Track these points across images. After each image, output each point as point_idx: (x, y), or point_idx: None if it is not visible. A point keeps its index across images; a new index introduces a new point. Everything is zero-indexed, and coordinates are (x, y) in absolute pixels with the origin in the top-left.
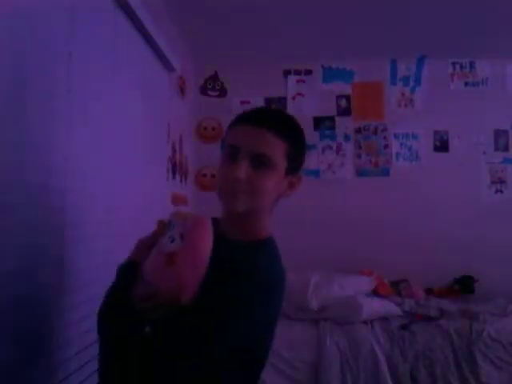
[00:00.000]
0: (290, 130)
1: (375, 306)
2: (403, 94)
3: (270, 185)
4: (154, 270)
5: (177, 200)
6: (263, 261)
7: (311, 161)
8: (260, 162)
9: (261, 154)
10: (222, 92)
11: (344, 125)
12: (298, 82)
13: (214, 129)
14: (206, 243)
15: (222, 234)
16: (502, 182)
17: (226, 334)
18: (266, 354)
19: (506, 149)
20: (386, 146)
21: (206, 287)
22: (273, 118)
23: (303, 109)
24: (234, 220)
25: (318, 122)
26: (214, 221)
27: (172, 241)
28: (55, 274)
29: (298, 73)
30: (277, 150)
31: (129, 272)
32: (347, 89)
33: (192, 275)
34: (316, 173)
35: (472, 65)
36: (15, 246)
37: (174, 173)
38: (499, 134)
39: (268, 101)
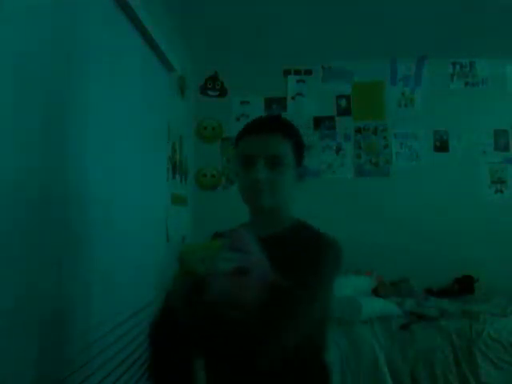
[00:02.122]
0: (291, 130)
1: (375, 306)
2: (403, 94)
3: (286, 180)
4: (231, 287)
5: (177, 200)
6: (318, 233)
7: (311, 161)
8: (274, 163)
9: (274, 155)
10: (222, 92)
11: (344, 125)
12: (298, 82)
13: (213, 129)
14: (253, 246)
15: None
16: (501, 182)
17: (326, 297)
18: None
19: (506, 149)
20: (386, 146)
21: (289, 276)
22: (274, 122)
23: (303, 109)
24: (264, 218)
25: (318, 122)
26: (245, 226)
27: (225, 259)
28: (54, 275)
29: (298, 73)
30: (286, 148)
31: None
32: (347, 89)
33: (258, 274)
34: (316, 173)
35: (472, 65)
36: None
37: (174, 173)
38: (499, 134)
39: (268, 101)
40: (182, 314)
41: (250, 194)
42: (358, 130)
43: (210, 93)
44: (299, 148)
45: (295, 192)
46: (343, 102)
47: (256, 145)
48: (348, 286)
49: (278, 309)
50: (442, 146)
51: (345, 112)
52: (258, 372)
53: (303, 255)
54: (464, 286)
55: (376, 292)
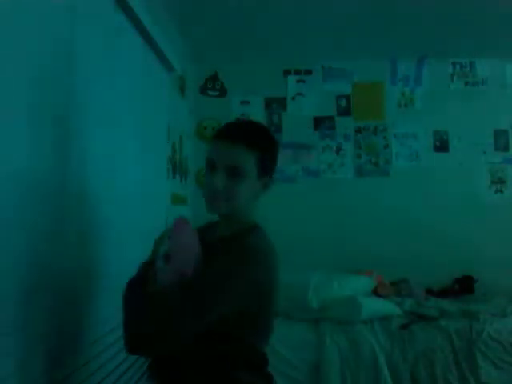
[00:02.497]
0: (259, 141)
1: (375, 306)
2: (403, 94)
3: (243, 190)
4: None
5: (177, 200)
6: (249, 238)
7: (311, 161)
8: (234, 173)
9: (234, 166)
10: (222, 92)
11: (344, 125)
12: (298, 82)
13: (213, 129)
14: (184, 234)
15: (220, 233)
16: (502, 182)
17: (217, 299)
18: (262, 327)
19: (506, 149)
20: (386, 146)
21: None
22: (243, 132)
23: (303, 109)
24: (223, 220)
25: (318, 122)
26: (214, 223)
27: (162, 244)
28: (55, 275)
29: (297, 73)
30: (248, 160)
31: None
32: (347, 89)
33: (183, 263)
34: (316, 173)
35: (472, 65)
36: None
37: (174, 173)
38: (499, 134)
39: (268, 101)
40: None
41: (207, 198)
42: (358, 130)
43: (210, 93)
44: (265, 160)
45: (255, 200)
46: (343, 102)
47: (219, 151)
48: (348, 286)
49: (171, 294)
50: (442, 145)
51: (345, 112)
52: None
53: (220, 253)
54: (464, 286)
55: (376, 292)
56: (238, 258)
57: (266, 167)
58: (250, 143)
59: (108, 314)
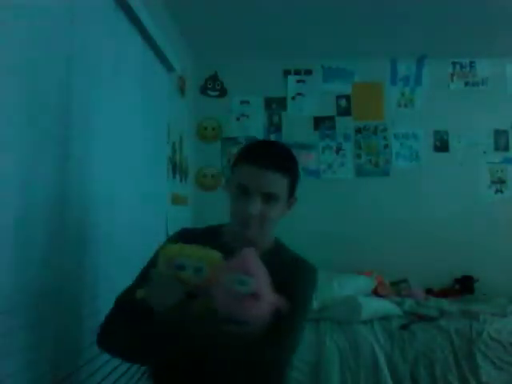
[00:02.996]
0: (290, 166)
1: (375, 306)
2: (403, 94)
3: (276, 213)
4: (242, 309)
5: (177, 200)
6: (296, 257)
7: (311, 161)
8: (269, 199)
9: (270, 193)
10: (222, 92)
11: (344, 125)
12: (298, 82)
13: (214, 129)
14: (262, 271)
15: (228, 243)
16: (501, 182)
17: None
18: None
19: (506, 149)
20: (386, 146)
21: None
22: (275, 158)
23: (303, 109)
24: (243, 241)
25: (318, 122)
26: (217, 229)
27: (242, 282)
28: (54, 275)
29: (297, 73)
30: (281, 186)
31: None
32: (347, 89)
33: (268, 301)
34: (316, 173)
35: (472, 65)
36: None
37: (174, 173)
38: (499, 134)
39: (268, 101)
40: (161, 318)
41: (239, 222)
42: (358, 130)
43: (210, 93)
44: (294, 183)
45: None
46: (343, 102)
47: (254, 178)
48: (348, 286)
49: (272, 333)
50: (442, 145)
51: (345, 112)
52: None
53: (286, 281)
54: (464, 286)
55: (376, 292)
56: (311, 284)
57: (294, 189)
58: (283, 169)
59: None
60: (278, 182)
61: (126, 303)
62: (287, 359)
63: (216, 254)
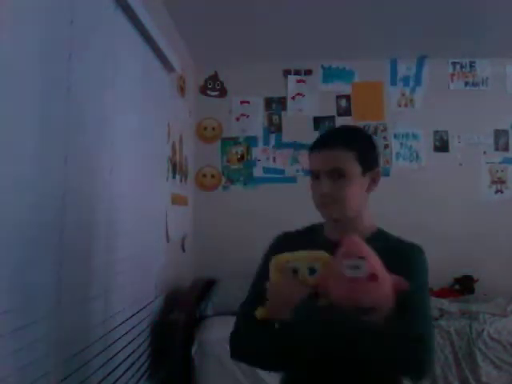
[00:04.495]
0: (355, 140)
1: None
2: (403, 94)
3: (350, 190)
4: (362, 294)
5: (177, 200)
6: (401, 241)
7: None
8: (337, 175)
9: (335, 168)
10: (222, 92)
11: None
12: (298, 82)
13: (214, 129)
14: (372, 252)
15: (329, 237)
16: (502, 182)
17: (427, 308)
18: None
19: (506, 149)
20: (386, 146)
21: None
22: (338, 136)
23: (303, 109)
24: (339, 226)
25: (318, 122)
26: (317, 226)
27: (355, 267)
28: (54, 276)
29: (297, 73)
30: (346, 160)
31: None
32: (347, 89)
33: (386, 280)
34: None
35: (472, 65)
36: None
37: (174, 173)
38: (499, 134)
39: (268, 101)
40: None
41: (318, 207)
42: None
43: (210, 93)
44: (364, 156)
45: (366, 199)
46: (343, 102)
47: (319, 160)
48: None
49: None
50: (442, 145)
51: (345, 112)
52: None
53: (397, 267)
54: (464, 286)
55: None
56: (423, 264)
57: (368, 162)
58: (347, 143)
59: (109, 315)
60: (340, 157)
61: (249, 323)
62: (430, 334)
63: (323, 253)
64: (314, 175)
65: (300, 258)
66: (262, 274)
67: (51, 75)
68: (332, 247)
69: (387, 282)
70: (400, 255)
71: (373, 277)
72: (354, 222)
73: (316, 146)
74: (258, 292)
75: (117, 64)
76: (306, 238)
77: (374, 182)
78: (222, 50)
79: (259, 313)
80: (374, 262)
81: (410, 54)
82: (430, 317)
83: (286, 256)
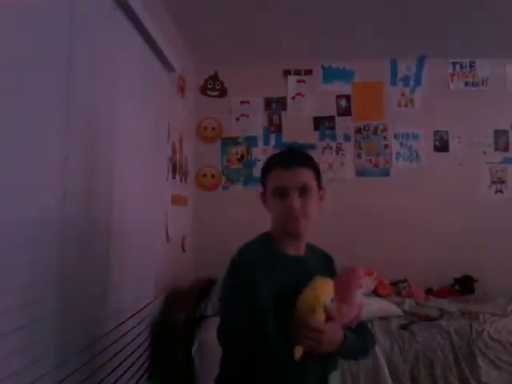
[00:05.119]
0: (309, 159)
1: (375, 306)
2: (403, 94)
3: (313, 204)
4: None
5: (177, 200)
6: (325, 252)
7: None
8: (304, 191)
9: (303, 185)
10: (222, 92)
11: (344, 125)
12: (298, 81)
13: (214, 129)
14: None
15: (287, 252)
16: (502, 182)
17: None
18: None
19: (506, 149)
20: (386, 146)
21: None
22: (299, 156)
23: (303, 109)
24: (292, 240)
25: (318, 122)
26: (268, 239)
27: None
28: (54, 275)
29: (297, 73)
30: (309, 177)
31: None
32: (347, 89)
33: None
34: None
35: (472, 65)
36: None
37: (174, 173)
38: (499, 134)
39: (268, 101)
40: None
41: (286, 221)
42: (358, 130)
43: (210, 93)
44: (319, 174)
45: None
46: (343, 102)
47: (286, 177)
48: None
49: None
50: (441, 145)
51: (345, 112)
52: None
53: (330, 270)
54: (464, 286)
55: (376, 292)
56: None
57: (320, 180)
58: (306, 163)
59: (108, 314)
60: (305, 175)
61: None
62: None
63: (327, 280)
64: (280, 192)
65: (321, 291)
66: (260, 298)
67: (51, 75)
68: (293, 263)
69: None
70: (330, 261)
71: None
72: (303, 237)
73: (281, 165)
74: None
75: (117, 64)
76: (273, 256)
77: (321, 199)
78: (222, 50)
79: (298, 352)
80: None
81: (409, 54)
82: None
83: (314, 293)
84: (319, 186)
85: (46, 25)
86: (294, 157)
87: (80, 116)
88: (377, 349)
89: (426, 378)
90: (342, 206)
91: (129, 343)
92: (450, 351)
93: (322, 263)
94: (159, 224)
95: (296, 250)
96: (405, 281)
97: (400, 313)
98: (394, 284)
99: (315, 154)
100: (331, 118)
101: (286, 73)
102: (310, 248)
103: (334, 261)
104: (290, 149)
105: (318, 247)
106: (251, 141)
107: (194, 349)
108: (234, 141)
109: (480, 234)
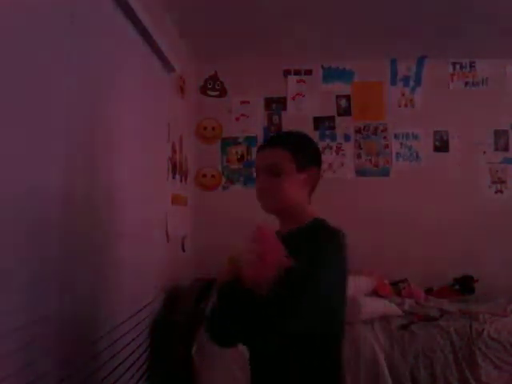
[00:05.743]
0: (290, 141)
1: (375, 306)
2: (403, 94)
3: (283, 185)
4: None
5: (177, 200)
6: (323, 226)
7: None
8: (273, 172)
9: (270, 164)
10: (222, 92)
11: (344, 125)
12: (298, 82)
13: (214, 129)
14: (270, 237)
15: (279, 229)
16: (502, 182)
17: (319, 282)
18: (341, 331)
19: (506, 149)
20: (386, 146)
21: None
22: (276, 138)
23: (303, 109)
24: (281, 218)
25: (318, 122)
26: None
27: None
28: (55, 270)
29: (297, 73)
30: (281, 157)
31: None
32: (347, 89)
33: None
34: None
35: (472, 65)
36: None
37: (174, 173)
38: (499, 134)
39: (268, 101)
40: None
41: (258, 199)
42: (358, 130)
43: (210, 93)
44: (300, 155)
45: (305, 195)
46: (343, 102)
47: (259, 159)
48: (348, 286)
49: (287, 284)
50: (441, 145)
51: (345, 112)
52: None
53: (305, 246)
54: (464, 286)
55: (376, 292)
56: (327, 245)
57: (303, 161)
58: (283, 144)
59: (108, 314)
60: (276, 155)
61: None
62: (285, 322)
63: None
64: (256, 173)
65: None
66: None
67: (51, 75)
68: (280, 238)
69: (271, 263)
70: (307, 235)
71: (259, 257)
72: (292, 215)
73: (259, 148)
74: None
75: (117, 64)
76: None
77: (311, 179)
78: (222, 50)
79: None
80: (267, 247)
81: (410, 54)
82: (306, 286)
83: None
84: (302, 167)
85: (46, 25)
86: (270, 139)
87: (80, 116)
88: (377, 349)
89: (426, 378)
90: (342, 205)
91: (129, 343)
92: (449, 351)
93: (304, 238)
94: (159, 224)
95: (281, 226)
96: (405, 281)
97: (400, 313)
98: (394, 284)
99: None
100: (331, 118)
101: (286, 73)
102: (312, 226)
103: (318, 237)
104: (280, 131)
105: (321, 224)
106: (251, 141)
107: (194, 349)
108: (234, 141)
109: (480, 234)
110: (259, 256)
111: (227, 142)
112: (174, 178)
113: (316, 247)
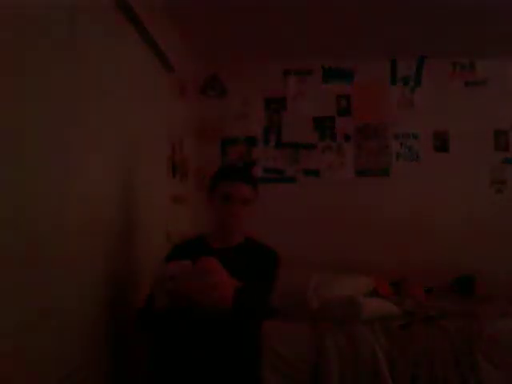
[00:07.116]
0: (252, 177)
1: (375, 306)
2: (403, 94)
3: (247, 212)
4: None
5: (177, 200)
6: (263, 246)
7: (311, 161)
8: (244, 203)
9: (245, 199)
10: (222, 92)
11: (344, 125)
12: (298, 82)
13: (214, 129)
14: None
15: (209, 243)
16: (502, 182)
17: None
18: None
19: (506, 149)
20: (386, 146)
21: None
22: (243, 174)
23: (303, 109)
24: (224, 234)
25: (318, 122)
26: (203, 235)
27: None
28: (53, 272)
29: (298, 73)
30: (251, 193)
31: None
32: (347, 89)
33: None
34: (316, 173)
35: (472, 65)
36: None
37: (173, 172)
38: (499, 134)
39: (268, 101)
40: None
41: (226, 222)
42: (358, 130)
43: (210, 93)
44: (256, 188)
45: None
46: (343, 102)
47: (234, 189)
48: (348, 286)
49: (250, 297)
50: (441, 145)
51: (345, 112)
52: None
53: (257, 264)
54: (464, 286)
55: (376, 292)
56: (276, 267)
57: (254, 193)
58: (250, 180)
59: (107, 314)
60: (248, 190)
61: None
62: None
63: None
64: (226, 197)
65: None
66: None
67: (51, 75)
68: (213, 253)
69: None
70: (260, 256)
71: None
72: (236, 233)
73: (229, 178)
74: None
75: (117, 64)
76: (194, 248)
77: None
78: (222, 50)
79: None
80: (218, 275)
81: (410, 54)
82: (260, 296)
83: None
84: (255, 198)
85: (45, 24)
86: (239, 173)
87: (79, 116)
88: (377, 349)
89: (426, 378)
90: (341, 205)
91: (129, 343)
92: (449, 351)
93: (251, 256)
94: (159, 223)
95: (223, 243)
96: (405, 281)
97: (400, 313)
98: (394, 284)
99: (315, 154)
100: (331, 118)
101: (286, 73)
102: (246, 243)
103: (273, 257)
104: (236, 165)
105: (259, 244)
106: (251, 141)
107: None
108: (234, 141)
109: (480, 234)
110: (214, 286)
111: (227, 142)
112: (174, 177)
113: (267, 268)
